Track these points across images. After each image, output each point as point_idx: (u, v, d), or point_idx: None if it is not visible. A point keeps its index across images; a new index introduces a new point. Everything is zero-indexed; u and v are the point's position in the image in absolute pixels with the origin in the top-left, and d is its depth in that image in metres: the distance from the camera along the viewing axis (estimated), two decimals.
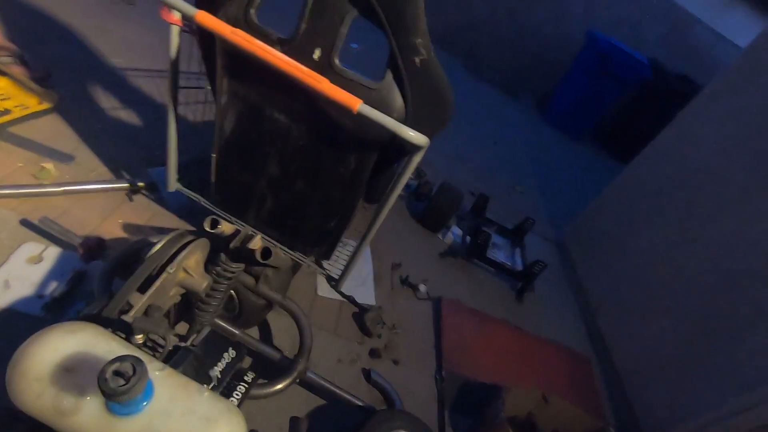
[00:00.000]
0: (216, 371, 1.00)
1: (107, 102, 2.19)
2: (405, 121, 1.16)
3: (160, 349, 0.89)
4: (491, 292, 2.47)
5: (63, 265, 1.47)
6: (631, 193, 2.81)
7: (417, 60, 1.06)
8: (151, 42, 2.74)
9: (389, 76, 1.12)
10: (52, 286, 1.39)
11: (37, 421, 0.67)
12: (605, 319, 2.51)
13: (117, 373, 0.54)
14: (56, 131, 1.90)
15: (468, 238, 2.66)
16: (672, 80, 5.09)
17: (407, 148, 1.19)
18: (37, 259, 1.45)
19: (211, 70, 1.33)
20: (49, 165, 1.73)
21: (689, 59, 5.56)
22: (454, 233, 2.69)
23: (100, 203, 1.73)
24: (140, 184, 1.82)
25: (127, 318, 0.91)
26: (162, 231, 1.76)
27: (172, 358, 0.88)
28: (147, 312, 1.09)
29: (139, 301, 1.04)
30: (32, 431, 0.74)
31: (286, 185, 1.48)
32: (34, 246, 1.47)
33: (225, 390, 1.02)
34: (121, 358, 0.54)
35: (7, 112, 1.79)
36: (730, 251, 2.01)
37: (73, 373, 0.59)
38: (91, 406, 0.58)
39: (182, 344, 0.96)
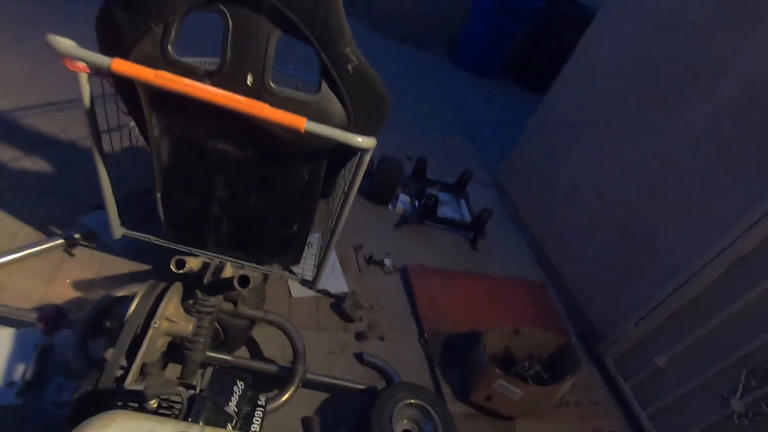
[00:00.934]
0: (232, 406, 1.05)
1: (5, 154, 1.96)
2: (348, 125, 1.20)
3: (177, 405, 0.92)
4: (449, 248, 2.64)
5: (21, 345, 1.38)
6: (551, 126, 3.05)
7: (349, 67, 1.08)
8: (29, 72, 2.44)
9: (325, 86, 1.14)
10: (20, 370, 1.32)
11: None
12: (549, 245, 2.80)
13: None
14: None
15: (416, 203, 2.79)
16: (563, 6, 5.40)
17: (356, 150, 1.24)
18: None
19: (133, 108, 1.26)
20: None
21: None
22: (403, 201, 2.79)
23: (38, 268, 1.61)
24: (77, 235, 1.71)
25: (136, 386, 0.92)
26: (119, 280, 1.68)
27: (191, 410, 0.91)
28: (143, 372, 1.09)
29: (134, 366, 1.04)
30: None
31: (240, 204, 1.47)
32: None
33: (245, 420, 1.07)
34: None
35: None
36: (637, 164, 2.31)
37: None
38: None
39: (193, 392, 0.99)
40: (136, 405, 0.88)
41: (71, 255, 1.69)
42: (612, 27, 2.66)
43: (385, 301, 2.11)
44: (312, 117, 1.09)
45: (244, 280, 1.26)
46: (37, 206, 1.80)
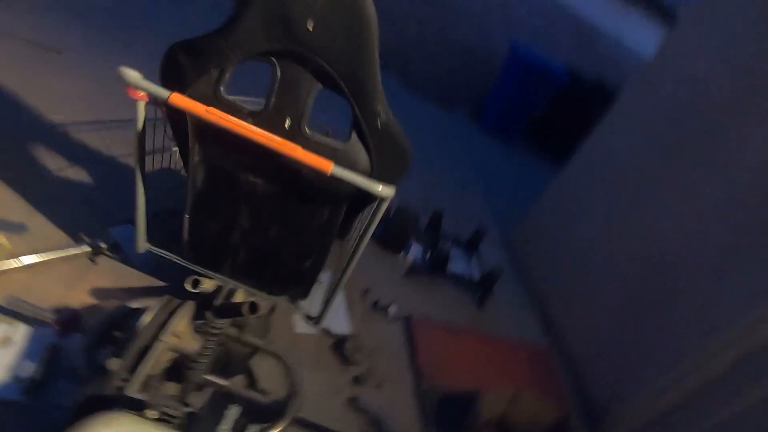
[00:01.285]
0: (223, 429, 1.07)
1: (52, 163, 2.12)
2: (371, 173, 1.30)
3: (175, 420, 0.95)
4: (455, 304, 2.65)
5: (34, 343, 1.43)
6: (567, 194, 3.13)
7: (378, 122, 1.19)
8: (86, 91, 2.67)
9: (354, 136, 1.24)
10: (28, 367, 1.36)
11: None
12: (557, 310, 2.78)
13: None
14: (4, 201, 1.83)
15: (428, 255, 2.84)
16: (586, 83, 5.66)
17: (375, 197, 1.32)
18: (5, 341, 1.41)
19: (179, 135, 1.38)
20: (2, 238, 1.66)
21: (599, 63, 6.22)
22: (415, 252, 2.85)
23: (62, 272, 1.70)
24: (102, 245, 1.80)
25: (138, 395, 0.95)
26: (134, 293, 1.75)
27: (187, 427, 0.94)
28: (147, 382, 1.13)
29: (138, 375, 1.08)
30: None
31: (260, 235, 1.55)
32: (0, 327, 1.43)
33: None
34: None
35: None
36: (650, 239, 2.34)
37: None
38: None
39: (190, 410, 1.02)
40: (138, 413, 0.91)
41: (94, 263, 1.78)
42: (631, 107, 2.80)
43: (387, 348, 2.11)
44: (338, 162, 1.19)
45: (254, 307, 1.31)
46: (72, 215, 1.92)
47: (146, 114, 1.34)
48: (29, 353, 1.40)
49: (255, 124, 1.15)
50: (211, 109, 1.11)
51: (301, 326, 1.99)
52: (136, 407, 0.92)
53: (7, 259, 1.61)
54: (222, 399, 1.17)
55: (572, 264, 2.82)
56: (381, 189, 1.19)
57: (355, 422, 1.71)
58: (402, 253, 2.81)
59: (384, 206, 1.30)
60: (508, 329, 2.61)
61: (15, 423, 1.24)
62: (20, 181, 1.94)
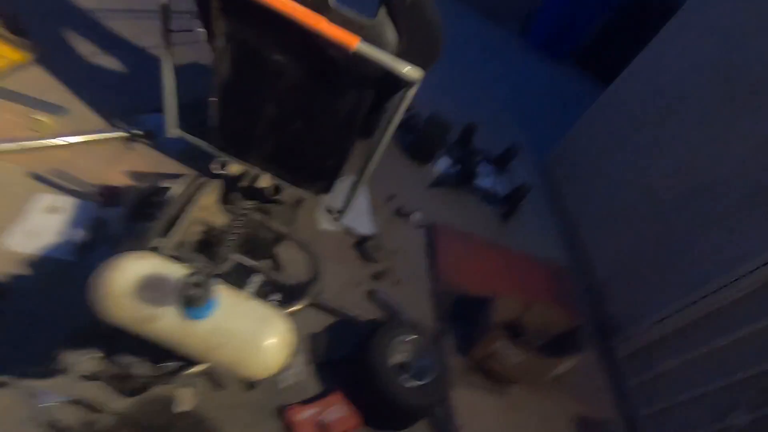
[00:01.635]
0: (247, 290, 1.15)
1: (87, 49, 2.13)
2: (398, 55, 1.22)
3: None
4: (479, 217, 2.64)
5: (81, 213, 1.55)
6: (610, 115, 2.92)
7: None
8: None
9: (383, 12, 1.16)
10: (77, 233, 1.49)
11: (115, 336, 0.81)
12: (586, 231, 2.74)
13: (195, 284, 0.67)
14: (44, 83, 1.88)
15: (456, 168, 2.79)
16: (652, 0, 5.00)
17: (401, 83, 1.26)
18: (53, 209, 1.53)
19: (203, 12, 1.34)
20: (43, 117, 1.74)
21: None
22: (443, 164, 2.80)
23: (101, 153, 1.78)
24: (138, 132, 1.86)
25: (172, 252, 1.03)
26: (166, 176, 1.83)
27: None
28: (178, 248, 1.21)
29: (170, 239, 1.16)
30: (110, 345, 0.89)
31: (285, 125, 1.55)
32: (47, 197, 1.54)
33: None
34: (196, 272, 0.67)
35: None
36: (691, 166, 2.20)
37: (149, 290, 0.72)
38: (169, 313, 0.72)
39: (216, 271, 1.10)
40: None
41: (131, 148, 1.85)
42: (696, 21, 2.47)
43: (406, 250, 2.17)
44: (365, 39, 1.13)
45: (277, 189, 1.35)
46: (108, 99, 1.96)
47: None
48: (76, 221, 1.52)
49: None
50: None
51: (325, 223, 2.06)
52: None
53: (52, 137, 1.69)
54: (246, 272, 1.25)
55: (606, 188, 2.71)
56: (407, 70, 1.13)
57: (371, 311, 1.81)
58: (430, 164, 2.77)
59: (411, 92, 1.25)
60: (528, 246, 2.61)
61: (69, 279, 1.39)
62: (59, 64, 1.97)
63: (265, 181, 1.43)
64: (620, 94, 2.89)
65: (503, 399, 1.79)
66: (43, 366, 1.20)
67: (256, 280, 1.19)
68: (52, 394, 1.15)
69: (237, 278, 1.21)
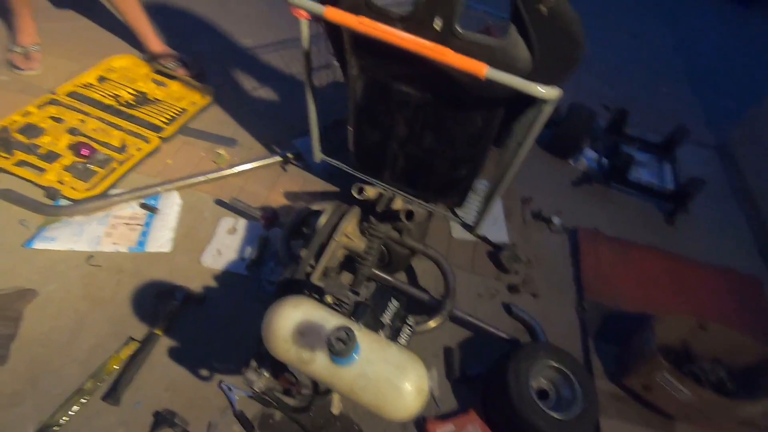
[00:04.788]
0: (386, 318, 1.23)
1: (248, 84, 2.49)
2: (532, 72, 1.13)
3: (345, 305, 1.13)
4: (635, 217, 2.31)
5: (251, 233, 1.85)
6: None
7: (543, 8, 1.00)
8: (265, 13, 2.95)
9: (513, 29, 1.08)
10: (248, 251, 1.78)
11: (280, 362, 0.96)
12: None
13: (338, 339, 0.75)
14: (219, 120, 2.28)
15: (605, 161, 2.48)
16: None
17: (536, 100, 1.17)
18: (233, 231, 1.85)
19: (338, 49, 1.44)
20: (222, 151, 2.10)
21: None
22: (588, 157, 2.52)
23: (263, 177, 2.08)
24: (290, 155, 2.11)
25: (319, 282, 1.16)
26: (314, 196, 2.05)
27: (355, 312, 1.12)
28: (325, 273, 1.36)
29: (319, 266, 1.30)
30: (275, 368, 1.05)
31: (416, 144, 1.58)
32: (228, 220, 1.88)
33: (394, 332, 1.25)
34: (339, 329, 0.75)
35: (184, 111, 2.19)
36: None
37: (305, 336, 0.83)
38: (321, 358, 0.82)
39: (359, 299, 1.20)
40: (317, 297, 1.12)
41: (285, 170, 2.12)
42: None
43: (545, 259, 2.03)
44: (495, 62, 1.07)
45: (409, 215, 1.39)
46: (266, 128, 2.28)
47: (310, 31, 1.41)
48: (247, 240, 1.82)
49: (404, 29, 1.10)
50: (362, 18, 1.10)
51: (458, 232, 2.05)
52: (317, 292, 1.12)
53: (227, 167, 2.04)
54: (385, 293, 1.33)
55: None
56: (544, 91, 1.04)
57: (508, 327, 1.76)
58: (572, 160, 2.52)
59: (548, 110, 1.15)
60: (703, 252, 2.18)
61: (243, 290, 1.68)
62: (227, 102, 2.36)
63: (398, 203, 1.49)
64: None
65: None
66: (230, 364, 1.49)
67: (392, 306, 1.26)
68: (238, 389, 1.42)
69: (378, 302, 1.31)
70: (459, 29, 1.11)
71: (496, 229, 2.09)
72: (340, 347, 0.74)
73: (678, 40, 3.76)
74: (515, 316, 1.79)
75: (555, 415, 1.32)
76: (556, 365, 1.45)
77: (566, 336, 1.78)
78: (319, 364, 0.81)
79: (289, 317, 0.85)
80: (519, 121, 1.51)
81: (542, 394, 1.46)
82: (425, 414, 1.49)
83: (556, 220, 2.18)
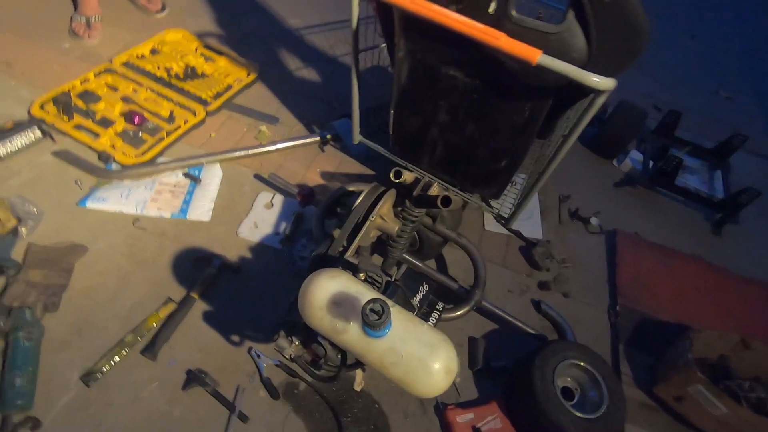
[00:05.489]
0: (416, 301, 1.24)
1: (293, 64, 2.53)
2: (588, 62, 1.10)
3: (377, 284, 1.15)
4: (679, 225, 2.21)
5: (286, 209, 1.89)
6: None
7: None
8: None
9: (571, 15, 1.05)
10: (283, 226, 1.83)
11: (308, 329, 0.99)
12: None
13: (372, 310, 0.76)
14: (262, 97, 2.32)
15: (651, 163, 2.37)
16: None
17: (588, 90, 1.13)
18: (270, 205, 1.89)
19: (387, 31, 1.43)
20: (263, 127, 2.15)
21: None
22: (633, 158, 2.42)
23: (301, 155, 2.11)
24: (328, 136, 2.13)
25: (352, 260, 1.18)
26: (350, 177, 2.07)
27: (386, 291, 1.13)
28: (358, 252, 1.37)
29: (353, 244, 1.32)
30: (306, 337, 1.08)
31: (457, 131, 1.56)
32: (266, 195, 1.92)
33: (422, 316, 1.25)
34: (374, 301, 0.77)
35: (230, 87, 2.25)
36: None
37: (339, 306, 0.85)
38: (354, 329, 0.84)
39: (391, 279, 1.21)
40: (350, 273, 1.13)
41: (323, 150, 2.14)
42: None
43: (580, 260, 1.98)
44: (550, 49, 1.04)
45: (446, 201, 1.39)
46: (307, 107, 2.31)
47: (360, 12, 1.42)
48: (283, 216, 1.86)
49: (458, 11, 1.09)
50: None
51: (492, 224, 2.03)
52: (350, 268, 1.14)
53: (268, 144, 2.08)
54: (417, 277, 1.33)
55: None
56: (598, 81, 1.00)
57: (537, 324, 1.73)
58: (616, 160, 2.43)
59: (599, 102, 1.11)
60: (750, 266, 2.07)
61: (276, 263, 1.73)
62: (271, 80, 2.40)
63: (435, 189, 1.48)
64: None
65: None
66: (260, 333, 1.54)
67: (422, 289, 1.26)
68: (266, 357, 1.47)
69: (409, 284, 1.32)
70: (514, 13, 1.08)
71: (530, 224, 2.05)
72: (373, 319, 0.75)
73: (743, 45, 3.53)
74: (544, 314, 1.76)
75: (578, 414, 1.30)
76: (583, 365, 1.42)
77: (596, 339, 1.74)
78: (351, 334, 0.83)
79: (326, 287, 0.87)
80: (566, 112, 1.47)
81: (567, 393, 1.44)
82: (445, 400, 1.49)
83: (594, 220, 2.12)
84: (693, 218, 2.25)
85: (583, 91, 1.18)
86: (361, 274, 1.13)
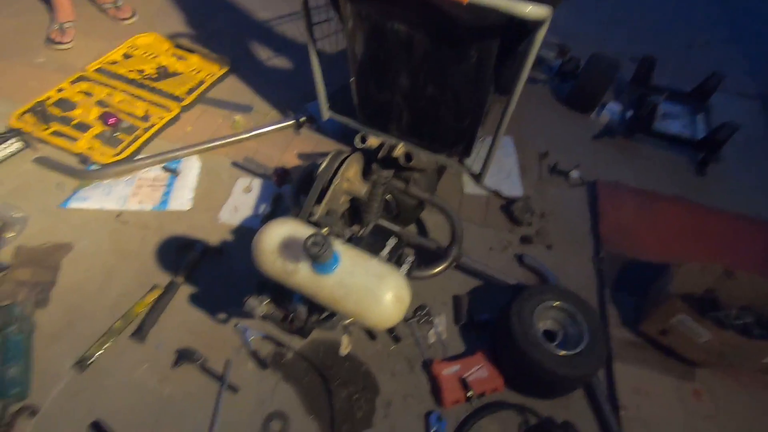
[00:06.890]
0: (384, 253, 1.25)
1: (264, 54, 2.56)
2: None
3: (341, 238, 1.17)
4: (662, 170, 2.20)
5: (264, 191, 1.92)
6: None
7: None
8: None
9: None
10: (262, 207, 1.86)
11: (277, 287, 1.01)
12: None
13: (314, 243, 0.78)
14: (236, 89, 2.36)
15: (629, 113, 2.36)
16: None
17: (529, 26, 1.14)
18: (248, 189, 1.92)
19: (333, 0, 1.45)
20: (238, 117, 2.18)
21: None
22: (611, 110, 2.41)
23: (277, 140, 2.14)
24: (302, 118, 2.16)
25: (314, 219, 1.20)
26: (326, 154, 2.09)
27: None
28: (328, 214, 1.40)
29: (319, 208, 1.34)
30: (274, 295, 1.11)
31: (418, 94, 1.58)
32: (244, 180, 1.95)
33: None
34: (314, 234, 0.79)
35: (202, 82, 2.29)
36: None
37: (289, 248, 0.87)
38: (304, 267, 0.86)
39: (355, 234, 1.23)
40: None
41: (298, 133, 2.17)
42: None
43: (561, 212, 1.98)
44: None
45: (407, 157, 1.40)
46: (280, 94, 2.34)
47: None
48: (262, 198, 1.89)
49: None
50: None
51: (470, 187, 2.03)
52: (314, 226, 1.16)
53: (244, 132, 2.11)
54: (384, 233, 1.35)
55: None
56: (528, 10, 1.01)
57: (520, 276, 1.74)
58: (593, 113, 2.42)
59: (540, 35, 1.12)
60: (736, 203, 2.05)
61: None
62: (244, 71, 2.44)
63: (400, 150, 1.50)
64: None
65: (684, 384, 1.50)
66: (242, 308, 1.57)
67: (390, 243, 1.28)
68: (253, 330, 1.50)
69: (376, 239, 1.34)
70: None
71: (509, 183, 2.06)
72: (315, 251, 0.77)
73: None
74: (527, 266, 1.77)
75: (561, 352, 1.31)
76: (559, 304, 1.43)
77: (582, 287, 1.74)
78: (302, 274, 0.85)
79: (275, 233, 0.90)
80: (516, 58, 1.47)
81: (550, 335, 1.45)
82: (432, 356, 1.51)
83: (574, 173, 2.12)
84: (676, 163, 2.24)
85: (526, 28, 1.19)
86: (324, 230, 1.15)
